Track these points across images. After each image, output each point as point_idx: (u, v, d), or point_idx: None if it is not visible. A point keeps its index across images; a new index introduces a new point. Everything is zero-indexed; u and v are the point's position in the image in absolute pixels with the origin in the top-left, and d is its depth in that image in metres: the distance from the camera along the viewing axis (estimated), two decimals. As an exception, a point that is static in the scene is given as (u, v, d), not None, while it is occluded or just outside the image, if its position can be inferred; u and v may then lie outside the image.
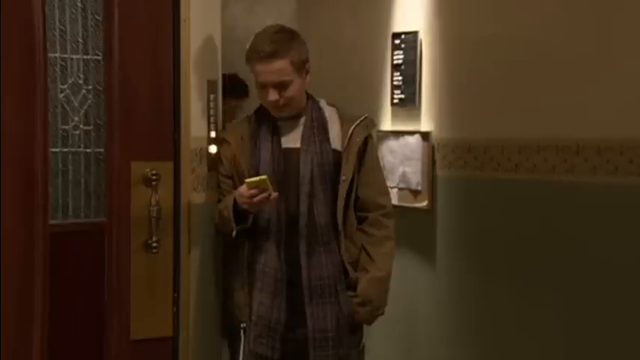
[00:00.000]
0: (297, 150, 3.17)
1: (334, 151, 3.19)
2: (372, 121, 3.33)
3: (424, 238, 4.27)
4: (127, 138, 3.07)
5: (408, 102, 4.35)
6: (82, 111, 3.54)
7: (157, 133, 3.11)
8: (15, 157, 2.69)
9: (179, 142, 3.13)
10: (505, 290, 3.86)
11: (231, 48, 3.65)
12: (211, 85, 3.26)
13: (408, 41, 4.34)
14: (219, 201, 3.23)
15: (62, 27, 3.50)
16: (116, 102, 3.06)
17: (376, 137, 4.23)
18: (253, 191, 3.00)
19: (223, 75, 3.37)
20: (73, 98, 3.53)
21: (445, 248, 4.19)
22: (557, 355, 3.63)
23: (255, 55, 3.11)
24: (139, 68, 3.08)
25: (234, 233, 3.11)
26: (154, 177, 3.07)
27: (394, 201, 3.81)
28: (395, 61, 4.42)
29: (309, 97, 3.25)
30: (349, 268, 3.19)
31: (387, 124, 4.53)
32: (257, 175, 3.06)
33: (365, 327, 3.30)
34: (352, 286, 3.19)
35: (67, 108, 3.52)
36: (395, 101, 4.44)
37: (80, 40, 3.52)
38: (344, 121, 3.23)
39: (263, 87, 3.14)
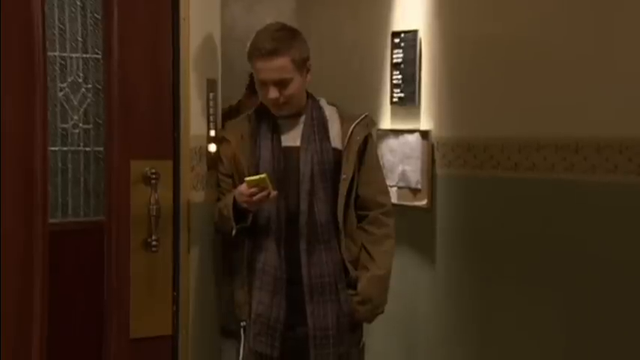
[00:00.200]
0: (297, 148, 3.17)
1: (334, 149, 3.18)
2: (372, 120, 3.33)
3: (424, 236, 4.27)
4: (127, 136, 3.07)
5: (408, 101, 4.35)
6: (82, 110, 3.53)
7: (156, 132, 3.11)
8: (14, 156, 2.68)
9: (179, 140, 3.13)
10: (504, 288, 3.86)
11: (230, 47, 3.65)
12: (211, 84, 3.26)
13: (408, 40, 4.34)
14: (219, 200, 3.23)
15: (61, 25, 3.49)
16: (115, 100, 3.06)
17: (376, 136, 4.23)
18: (253, 190, 3.00)
19: (250, 74, 3.35)
20: (72, 97, 3.52)
21: (445, 247, 4.19)
22: (557, 354, 3.63)
23: (256, 52, 3.11)
24: (138, 67, 3.08)
25: (233, 232, 3.11)
26: (154, 175, 3.07)
27: (394, 200, 3.81)
28: (394, 60, 4.42)
29: (309, 95, 3.25)
30: (349, 266, 3.19)
31: (386, 122, 4.53)
32: (257, 173, 3.06)
33: (365, 325, 3.30)
34: (352, 284, 3.19)
35: (67, 107, 3.51)
36: (394, 100, 4.44)
37: (80, 38, 3.51)
38: (344, 119, 3.23)
39: (263, 84, 3.14)
